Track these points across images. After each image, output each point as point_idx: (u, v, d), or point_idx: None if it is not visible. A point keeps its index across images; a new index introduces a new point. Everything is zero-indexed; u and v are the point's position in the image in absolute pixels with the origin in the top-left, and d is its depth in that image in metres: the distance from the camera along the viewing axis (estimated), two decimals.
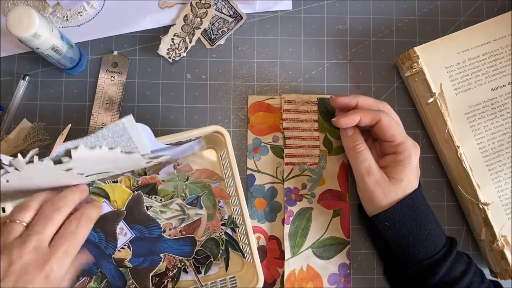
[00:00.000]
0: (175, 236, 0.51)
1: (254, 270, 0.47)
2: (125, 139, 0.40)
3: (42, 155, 0.53)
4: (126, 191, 0.52)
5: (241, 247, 0.52)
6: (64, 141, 0.53)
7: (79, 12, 0.55)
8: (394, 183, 0.47)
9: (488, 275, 0.54)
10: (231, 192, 0.52)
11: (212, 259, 0.52)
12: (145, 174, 0.52)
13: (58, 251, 0.37)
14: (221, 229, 0.53)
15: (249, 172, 0.55)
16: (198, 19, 0.55)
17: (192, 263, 0.52)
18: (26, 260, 0.36)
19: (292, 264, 0.53)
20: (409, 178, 0.47)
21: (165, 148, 0.44)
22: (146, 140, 0.41)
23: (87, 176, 0.42)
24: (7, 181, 0.39)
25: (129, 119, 0.39)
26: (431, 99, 0.52)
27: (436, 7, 0.58)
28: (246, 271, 0.51)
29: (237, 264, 0.52)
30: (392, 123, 0.47)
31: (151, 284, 0.50)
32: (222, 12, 0.56)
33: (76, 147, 0.38)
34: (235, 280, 0.51)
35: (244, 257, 0.52)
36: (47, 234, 0.38)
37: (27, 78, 0.54)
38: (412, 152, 0.47)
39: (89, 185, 0.51)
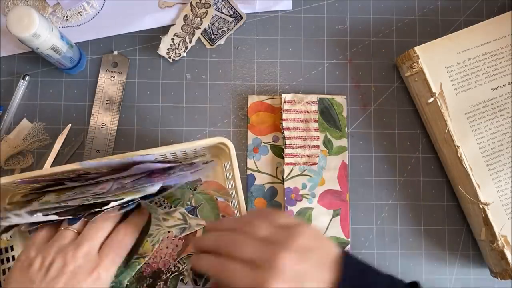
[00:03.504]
0: (176, 245, 0.51)
1: None
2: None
3: (42, 154, 0.53)
4: None
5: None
6: (64, 141, 0.53)
7: (79, 12, 0.55)
8: None
9: (488, 275, 0.54)
10: (233, 203, 0.51)
11: None
12: None
13: (106, 259, 0.40)
14: None
15: (249, 172, 0.54)
16: (198, 19, 0.55)
17: (190, 274, 0.51)
18: (78, 263, 0.38)
19: None
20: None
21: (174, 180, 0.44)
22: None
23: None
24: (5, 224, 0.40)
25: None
26: (431, 99, 0.52)
27: (436, 7, 0.58)
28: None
29: None
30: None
31: None
32: (222, 12, 0.56)
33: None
34: None
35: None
36: (98, 240, 0.41)
37: (27, 78, 0.54)
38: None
39: None
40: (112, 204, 0.39)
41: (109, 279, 0.41)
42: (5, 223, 0.40)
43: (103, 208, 0.39)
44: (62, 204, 0.41)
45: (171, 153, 0.46)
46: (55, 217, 0.39)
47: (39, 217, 0.39)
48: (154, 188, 0.40)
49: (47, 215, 0.39)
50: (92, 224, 0.41)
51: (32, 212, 0.39)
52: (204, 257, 0.39)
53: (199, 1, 0.55)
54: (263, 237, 0.37)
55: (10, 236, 0.49)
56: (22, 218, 0.39)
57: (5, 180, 0.43)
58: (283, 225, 0.38)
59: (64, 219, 0.41)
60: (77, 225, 0.41)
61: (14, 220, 0.39)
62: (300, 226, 0.38)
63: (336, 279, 0.36)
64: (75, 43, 0.53)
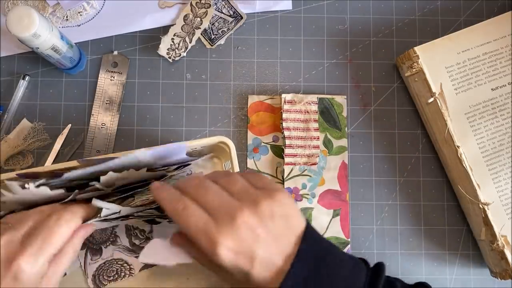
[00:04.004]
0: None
1: None
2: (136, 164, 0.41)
3: (42, 154, 0.53)
4: None
5: None
6: (64, 141, 0.53)
7: (79, 12, 0.55)
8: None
9: (488, 275, 0.54)
10: None
11: None
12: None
13: (29, 247, 0.35)
14: None
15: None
16: (198, 19, 0.55)
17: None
18: None
19: None
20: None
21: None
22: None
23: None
24: (4, 202, 0.39)
25: (143, 153, 0.39)
26: (431, 99, 0.52)
27: (436, 7, 0.58)
28: None
29: None
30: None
31: None
32: (222, 12, 0.56)
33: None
34: None
35: None
36: (23, 230, 0.36)
37: (27, 78, 0.54)
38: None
39: None
40: (111, 174, 0.39)
41: (36, 272, 0.35)
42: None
43: (100, 178, 0.38)
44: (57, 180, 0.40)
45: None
46: (47, 190, 0.38)
47: (31, 188, 0.37)
48: (146, 153, 0.40)
49: (39, 186, 0.37)
50: (23, 215, 0.37)
51: (23, 185, 0.37)
52: (167, 189, 0.38)
53: (199, 1, 0.55)
54: (235, 191, 0.36)
55: None
56: (13, 193, 0.37)
57: (5, 176, 0.43)
58: (259, 186, 0.37)
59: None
60: (12, 219, 0.37)
61: (6, 196, 0.37)
62: (275, 191, 0.37)
63: (293, 254, 0.35)
64: (75, 43, 0.53)
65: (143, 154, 0.39)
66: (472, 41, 0.53)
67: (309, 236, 0.36)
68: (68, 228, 0.37)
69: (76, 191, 0.39)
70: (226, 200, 0.36)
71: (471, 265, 0.55)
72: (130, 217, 0.43)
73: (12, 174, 0.42)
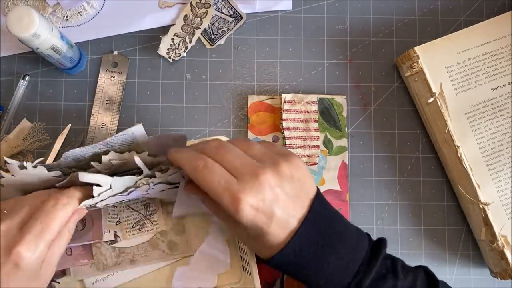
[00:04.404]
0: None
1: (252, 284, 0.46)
2: (134, 146, 0.40)
3: (42, 154, 0.53)
4: None
5: (241, 258, 0.51)
6: (64, 141, 0.53)
7: (79, 12, 0.55)
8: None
9: (488, 275, 0.54)
10: None
11: None
12: None
13: (27, 234, 0.34)
14: None
15: None
16: (198, 19, 0.55)
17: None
18: None
19: None
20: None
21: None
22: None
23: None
24: (2, 186, 0.39)
25: (138, 128, 0.39)
26: (431, 99, 0.52)
27: (436, 7, 0.58)
28: (244, 283, 0.51)
29: (235, 276, 0.51)
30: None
31: None
32: (222, 12, 0.56)
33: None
34: None
35: (243, 269, 0.51)
36: (20, 216, 0.36)
37: (27, 78, 0.54)
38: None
39: None
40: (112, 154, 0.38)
41: (36, 258, 0.35)
42: None
43: (102, 158, 0.38)
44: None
45: None
46: (44, 170, 0.38)
47: (29, 168, 0.37)
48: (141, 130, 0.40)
49: (36, 166, 0.38)
50: (17, 202, 0.36)
51: (22, 165, 0.37)
52: (185, 150, 0.38)
53: (199, 1, 0.55)
54: (255, 154, 0.37)
55: None
56: (13, 174, 0.37)
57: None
58: (277, 151, 0.38)
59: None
60: (5, 205, 0.37)
61: (6, 178, 0.37)
62: (292, 156, 0.38)
63: (304, 215, 0.37)
64: (75, 43, 0.53)
65: (139, 129, 0.39)
66: (472, 41, 0.53)
67: (320, 201, 0.38)
68: (65, 212, 0.37)
69: (76, 173, 0.38)
70: (248, 160, 0.36)
71: (471, 265, 0.55)
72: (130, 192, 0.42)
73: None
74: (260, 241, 0.37)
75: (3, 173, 0.38)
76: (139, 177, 0.40)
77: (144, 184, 0.40)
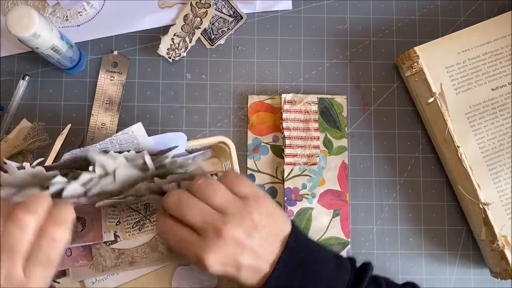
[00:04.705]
0: None
1: None
2: (135, 145, 0.41)
3: (42, 154, 0.53)
4: None
5: None
6: (64, 141, 0.53)
7: (79, 12, 0.55)
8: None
9: (488, 275, 0.54)
10: None
11: None
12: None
13: (33, 279, 0.31)
14: None
15: (249, 172, 0.54)
16: (198, 19, 0.55)
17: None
18: None
19: None
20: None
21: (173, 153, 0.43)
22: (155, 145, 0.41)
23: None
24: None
25: (138, 127, 0.39)
26: (431, 99, 0.52)
27: (436, 7, 0.58)
28: None
29: None
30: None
31: None
32: (222, 12, 0.56)
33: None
34: None
35: None
36: (19, 255, 0.31)
37: (27, 78, 0.54)
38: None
39: None
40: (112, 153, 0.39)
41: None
42: None
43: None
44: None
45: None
46: (43, 170, 0.38)
47: (27, 168, 0.37)
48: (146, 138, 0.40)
49: (34, 166, 0.38)
50: (5, 244, 0.31)
51: (20, 166, 0.37)
52: (162, 217, 0.39)
53: (199, 1, 0.55)
54: (217, 204, 0.37)
55: None
56: (10, 173, 0.37)
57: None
58: (242, 194, 0.38)
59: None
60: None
61: (3, 177, 0.37)
62: (258, 199, 0.38)
63: (278, 257, 0.37)
64: (75, 43, 0.53)
65: (138, 128, 0.40)
66: (472, 41, 0.53)
67: (294, 240, 0.37)
68: (64, 242, 0.34)
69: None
70: (210, 215, 0.36)
71: (471, 265, 0.55)
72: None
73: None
74: (238, 282, 0.38)
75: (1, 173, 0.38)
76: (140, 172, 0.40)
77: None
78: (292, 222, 0.39)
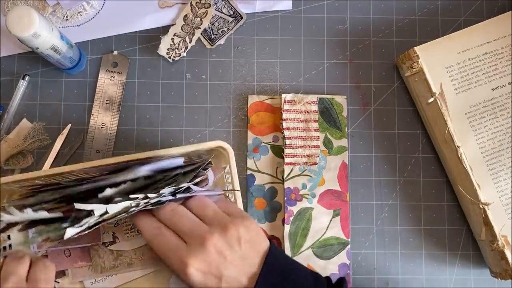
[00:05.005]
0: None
1: None
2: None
3: (41, 154, 0.53)
4: None
5: None
6: (64, 141, 0.53)
7: (79, 12, 0.55)
8: None
9: (488, 275, 0.54)
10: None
11: None
12: None
13: (39, 281, 0.38)
14: None
15: (249, 172, 0.54)
16: (198, 19, 0.55)
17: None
18: None
19: None
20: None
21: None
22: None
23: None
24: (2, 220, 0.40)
25: (142, 169, 0.40)
26: (431, 99, 0.52)
27: (436, 7, 0.58)
28: None
29: None
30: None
31: None
32: (222, 12, 0.56)
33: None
34: None
35: None
36: (20, 278, 0.38)
37: (27, 78, 0.54)
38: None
39: None
40: (108, 191, 0.39)
41: None
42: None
43: (98, 195, 0.38)
44: (55, 196, 0.40)
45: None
46: (45, 213, 0.39)
47: (29, 213, 0.38)
48: (144, 168, 0.40)
49: (37, 211, 0.39)
50: (7, 267, 0.38)
51: (21, 208, 0.38)
52: (146, 217, 0.41)
53: (199, 1, 0.55)
54: (205, 216, 0.40)
55: (8, 236, 0.48)
56: (13, 215, 0.38)
57: (5, 180, 0.43)
58: (228, 212, 0.41)
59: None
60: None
61: (5, 218, 0.39)
62: (242, 218, 0.40)
63: (257, 274, 0.39)
64: (75, 43, 0.53)
65: (142, 170, 0.40)
66: (472, 41, 0.53)
67: (272, 256, 0.40)
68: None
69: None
70: (197, 225, 0.39)
71: (471, 265, 0.55)
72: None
73: (12, 178, 0.43)
74: None
75: (3, 214, 0.39)
76: (133, 202, 0.40)
77: (138, 204, 0.40)
78: (270, 241, 0.42)
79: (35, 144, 0.53)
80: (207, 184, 0.44)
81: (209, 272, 0.38)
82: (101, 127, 0.54)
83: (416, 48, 0.53)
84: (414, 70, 0.53)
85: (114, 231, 0.50)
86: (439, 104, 0.52)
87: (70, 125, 0.54)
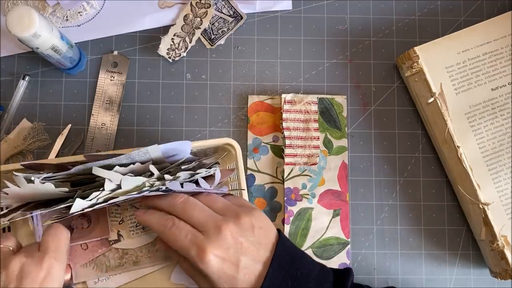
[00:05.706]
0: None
1: None
2: (145, 158, 0.41)
3: (42, 154, 0.53)
4: None
5: None
6: (64, 141, 0.53)
7: (79, 12, 0.55)
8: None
9: (488, 275, 0.54)
10: None
11: None
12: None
13: (49, 248, 0.38)
14: None
15: (249, 172, 0.54)
16: (198, 19, 0.55)
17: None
18: (23, 261, 0.36)
19: None
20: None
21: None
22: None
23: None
24: (7, 193, 0.39)
25: (155, 148, 0.40)
26: (431, 99, 0.52)
27: (436, 7, 0.58)
28: None
29: None
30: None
31: None
32: (222, 12, 0.56)
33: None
34: None
35: None
36: (35, 247, 0.39)
37: (27, 78, 0.54)
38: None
39: None
40: (119, 168, 0.39)
41: (63, 270, 0.38)
42: (4, 200, 0.39)
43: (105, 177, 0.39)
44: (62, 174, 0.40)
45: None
46: (51, 186, 0.39)
47: (36, 182, 0.38)
48: (157, 148, 0.40)
49: (44, 181, 0.39)
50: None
51: (29, 178, 0.38)
52: (152, 212, 0.42)
53: (199, 1, 0.55)
54: (216, 208, 0.41)
55: (9, 221, 0.47)
56: (19, 186, 0.38)
57: (11, 167, 0.43)
58: (239, 204, 0.43)
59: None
60: (12, 242, 0.39)
61: (11, 188, 0.38)
62: (252, 208, 0.42)
63: (269, 259, 0.40)
64: (75, 43, 0.53)
65: (155, 149, 0.41)
66: (472, 41, 0.53)
67: (282, 242, 0.42)
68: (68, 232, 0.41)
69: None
70: (211, 214, 0.41)
71: (471, 265, 0.55)
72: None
73: (17, 165, 0.43)
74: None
75: (8, 184, 0.38)
76: (148, 179, 0.41)
77: (152, 185, 0.41)
78: (278, 230, 0.43)
79: (35, 144, 0.53)
80: (213, 183, 0.44)
81: (227, 259, 0.39)
82: (101, 127, 0.54)
83: (416, 48, 0.53)
84: (414, 70, 0.53)
85: (119, 229, 0.50)
86: (439, 104, 0.52)
87: (70, 125, 0.54)
